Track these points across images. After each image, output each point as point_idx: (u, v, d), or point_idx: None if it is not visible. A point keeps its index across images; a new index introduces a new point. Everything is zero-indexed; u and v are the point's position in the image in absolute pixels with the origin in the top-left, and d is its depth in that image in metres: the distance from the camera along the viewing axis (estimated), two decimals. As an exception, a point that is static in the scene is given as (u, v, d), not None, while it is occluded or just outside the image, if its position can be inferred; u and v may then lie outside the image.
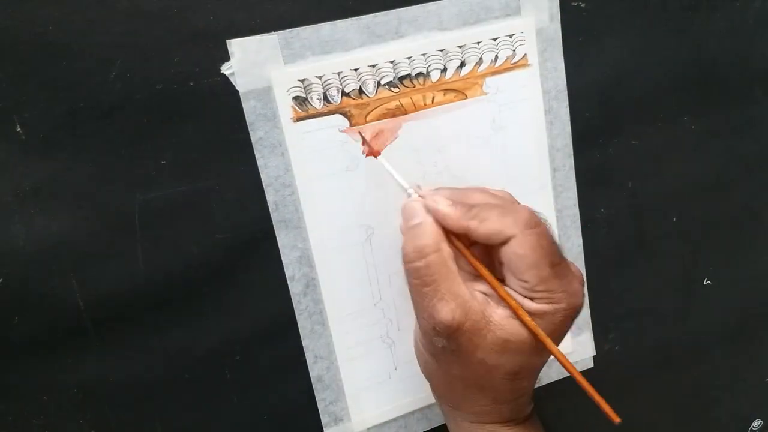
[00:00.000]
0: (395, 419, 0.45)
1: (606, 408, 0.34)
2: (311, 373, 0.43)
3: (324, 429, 0.44)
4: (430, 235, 0.35)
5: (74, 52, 0.34)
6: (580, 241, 0.47)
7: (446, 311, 0.34)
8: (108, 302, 0.38)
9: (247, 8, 0.36)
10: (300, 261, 0.41)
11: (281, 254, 0.40)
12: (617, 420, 0.34)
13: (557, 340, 0.35)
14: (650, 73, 0.46)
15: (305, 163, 0.39)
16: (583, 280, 0.36)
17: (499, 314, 0.35)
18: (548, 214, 0.46)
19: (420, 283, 0.35)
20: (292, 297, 0.41)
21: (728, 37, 0.48)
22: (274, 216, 0.40)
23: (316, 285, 0.41)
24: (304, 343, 0.42)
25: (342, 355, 0.43)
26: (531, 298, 0.34)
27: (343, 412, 0.44)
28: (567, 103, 0.44)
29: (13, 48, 0.33)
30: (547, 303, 0.34)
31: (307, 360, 0.42)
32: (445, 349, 0.35)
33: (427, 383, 0.45)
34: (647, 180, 0.48)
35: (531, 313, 0.34)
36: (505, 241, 0.34)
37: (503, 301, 0.35)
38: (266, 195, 0.39)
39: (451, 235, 0.36)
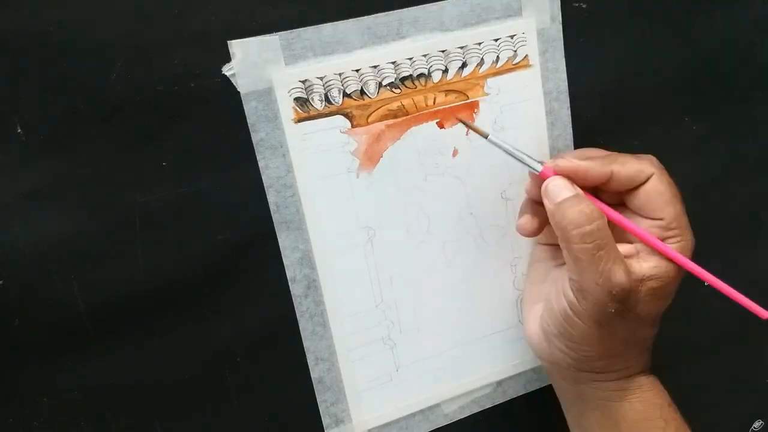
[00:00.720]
0: (396, 421, 0.45)
1: (752, 306, 0.38)
2: (312, 375, 0.43)
3: (325, 430, 0.43)
4: (588, 202, 0.36)
5: (75, 53, 0.34)
6: (581, 242, 0.47)
7: (621, 273, 0.35)
8: (108, 304, 0.37)
9: (249, 9, 0.36)
10: (301, 262, 0.41)
11: (282, 256, 0.40)
12: (765, 315, 0.37)
13: (683, 271, 0.39)
14: (651, 74, 0.46)
15: (306, 164, 0.39)
16: None
17: (645, 268, 0.37)
18: (549, 215, 0.46)
19: (594, 246, 0.35)
20: (293, 298, 0.41)
21: (729, 37, 0.48)
22: (275, 217, 0.39)
23: (317, 286, 0.41)
24: (305, 344, 0.42)
25: (343, 357, 0.43)
26: (663, 239, 0.38)
27: (344, 413, 0.44)
28: (568, 103, 0.44)
29: (13, 48, 0.33)
30: (680, 241, 0.38)
31: (308, 361, 0.42)
32: (616, 312, 0.36)
33: (430, 385, 0.45)
34: (648, 181, 0.48)
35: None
36: (644, 181, 0.37)
37: (652, 246, 0.37)
38: (267, 196, 0.39)
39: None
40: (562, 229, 0.36)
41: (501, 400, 0.48)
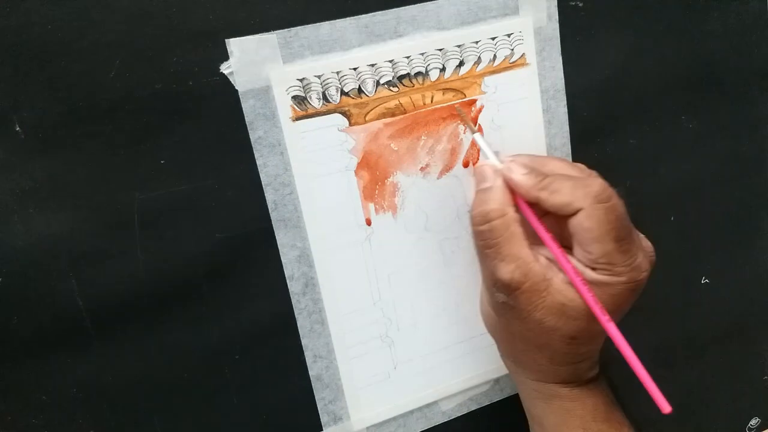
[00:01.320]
0: (394, 418, 0.45)
1: (657, 395, 0.35)
2: (310, 373, 0.43)
3: (323, 428, 0.44)
4: (496, 200, 0.37)
5: (73, 52, 0.34)
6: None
7: (505, 271, 0.36)
8: (107, 302, 0.37)
9: (247, 8, 0.36)
10: (299, 260, 0.41)
11: (280, 253, 0.40)
12: (667, 410, 0.34)
13: (615, 313, 0.36)
14: (648, 72, 0.46)
15: (304, 163, 0.39)
16: (652, 257, 0.38)
17: (560, 278, 0.36)
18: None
19: (483, 245, 0.37)
20: (291, 296, 0.41)
21: (726, 37, 0.48)
22: (273, 215, 0.40)
23: (315, 284, 0.41)
24: (304, 342, 0.42)
25: (341, 355, 0.43)
26: (593, 268, 0.35)
27: (342, 411, 0.44)
28: (565, 102, 0.45)
29: (12, 47, 0.33)
30: (608, 275, 0.35)
31: (307, 359, 0.42)
32: (506, 305, 0.37)
33: (428, 383, 0.45)
34: (645, 179, 0.49)
35: (589, 282, 0.35)
36: (573, 213, 0.35)
37: (559, 264, 0.36)
38: (265, 194, 0.39)
39: (522, 199, 0.37)
40: (470, 216, 0.38)
41: (498, 398, 0.48)
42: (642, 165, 0.48)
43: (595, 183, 0.36)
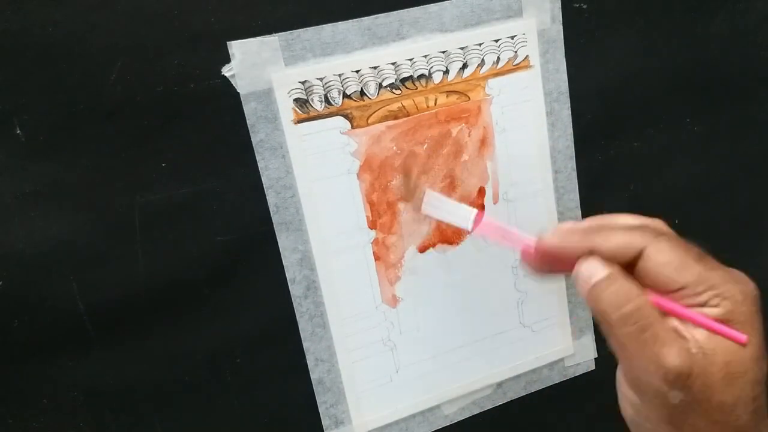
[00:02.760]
0: (396, 422, 0.45)
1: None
2: (312, 376, 0.42)
3: (324, 431, 0.43)
4: (626, 281, 0.31)
5: (74, 54, 0.34)
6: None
7: (674, 355, 0.29)
8: (108, 305, 0.37)
9: (248, 10, 0.36)
10: (301, 263, 0.41)
11: (282, 257, 0.40)
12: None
13: (758, 329, 0.31)
14: (652, 75, 0.46)
15: (306, 165, 0.39)
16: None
17: (702, 341, 0.30)
18: (550, 216, 0.46)
19: (636, 329, 0.30)
20: (292, 299, 0.41)
21: (730, 39, 0.48)
22: (274, 218, 0.39)
23: (317, 287, 0.41)
24: (305, 345, 0.42)
25: (343, 358, 0.43)
26: (702, 305, 0.30)
27: (344, 414, 0.44)
28: (569, 104, 0.44)
29: (13, 50, 0.33)
30: (722, 300, 0.30)
31: (308, 363, 0.42)
32: (683, 402, 0.30)
33: (430, 387, 0.45)
34: (649, 182, 0.48)
35: (717, 320, 0.30)
36: (638, 256, 0.31)
37: (692, 321, 0.31)
38: (267, 197, 0.39)
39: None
40: (600, 313, 0.32)
41: (501, 402, 0.48)
42: (646, 168, 0.48)
43: (653, 223, 0.33)
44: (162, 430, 0.40)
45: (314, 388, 0.43)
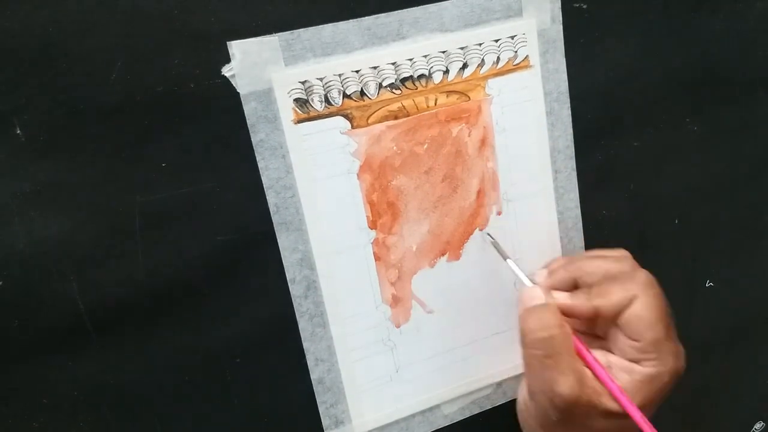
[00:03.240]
0: (396, 422, 0.45)
1: None
2: (312, 376, 0.42)
3: (324, 431, 0.43)
4: (554, 312, 0.38)
5: (74, 54, 0.34)
6: (581, 243, 0.47)
7: (566, 385, 0.35)
8: (108, 304, 0.37)
9: (248, 10, 0.36)
10: (301, 263, 0.41)
11: (282, 257, 0.40)
12: None
13: (656, 404, 0.38)
14: (652, 74, 0.46)
15: (306, 165, 0.39)
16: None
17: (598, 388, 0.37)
18: (550, 216, 0.46)
19: (542, 354, 0.36)
20: (292, 299, 0.41)
21: (730, 39, 0.48)
22: (274, 218, 0.39)
23: (317, 287, 0.41)
24: (305, 345, 0.42)
25: (343, 358, 0.43)
26: (638, 361, 0.37)
27: (344, 414, 0.44)
28: (569, 104, 0.44)
29: (12, 50, 0.33)
30: (655, 366, 0.37)
31: (308, 362, 0.42)
32: (558, 421, 0.37)
33: (430, 386, 0.45)
34: (649, 181, 0.48)
35: (639, 380, 0.37)
36: (627, 306, 0.37)
37: (600, 381, 0.37)
38: (267, 197, 0.39)
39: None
40: (521, 332, 0.38)
41: (501, 401, 0.48)
42: (646, 168, 0.48)
43: (642, 273, 0.38)
44: (162, 429, 0.40)
45: (314, 388, 0.43)
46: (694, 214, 0.50)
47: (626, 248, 0.49)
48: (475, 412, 0.47)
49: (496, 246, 0.44)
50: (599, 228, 0.48)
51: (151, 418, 0.40)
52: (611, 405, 0.36)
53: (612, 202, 0.48)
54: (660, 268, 0.50)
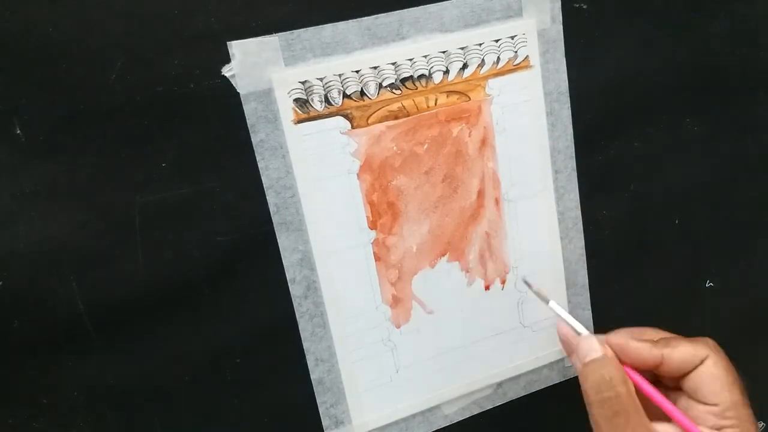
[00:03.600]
0: (396, 422, 0.45)
1: None
2: (312, 376, 0.42)
3: (324, 431, 0.44)
4: (616, 367, 0.36)
5: (74, 54, 0.34)
6: (582, 243, 0.47)
7: None
8: (108, 304, 0.37)
9: (248, 10, 0.36)
10: (301, 263, 0.41)
11: (282, 257, 0.40)
12: None
13: None
14: (652, 75, 0.46)
15: (306, 166, 0.39)
16: None
17: None
18: (550, 216, 0.46)
19: (611, 414, 0.35)
20: (292, 299, 0.41)
21: (731, 39, 0.48)
22: (275, 218, 0.39)
23: (317, 288, 0.41)
24: (305, 345, 0.42)
25: (343, 358, 0.43)
26: (719, 429, 0.35)
27: (344, 414, 0.44)
28: (569, 104, 0.44)
29: (12, 49, 0.33)
30: (737, 431, 0.35)
31: (308, 363, 0.42)
32: None
33: (430, 387, 0.44)
34: (649, 182, 0.48)
35: None
36: (698, 365, 0.35)
37: (677, 421, 0.35)
38: (267, 197, 0.39)
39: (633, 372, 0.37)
40: (585, 391, 0.36)
41: (501, 402, 0.48)
42: (646, 168, 0.48)
43: (707, 338, 0.37)
44: (162, 430, 0.40)
45: (314, 389, 0.43)
46: (694, 214, 0.50)
47: (626, 249, 0.49)
48: (475, 413, 0.47)
49: (537, 293, 0.43)
50: (599, 228, 0.47)
51: (151, 419, 0.40)
52: None
53: (613, 203, 0.47)
54: (660, 268, 0.50)
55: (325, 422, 0.43)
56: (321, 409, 0.43)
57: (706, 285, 0.53)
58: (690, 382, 0.36)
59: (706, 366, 0.36)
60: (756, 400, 0.57)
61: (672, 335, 0.39)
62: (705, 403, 0.35)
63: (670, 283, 0.51)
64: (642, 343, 0.37)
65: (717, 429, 0.35)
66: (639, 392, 0.37)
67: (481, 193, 0.43)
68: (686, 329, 0.52)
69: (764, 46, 0.49)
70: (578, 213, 0.46)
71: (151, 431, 0.40)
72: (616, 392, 0.35)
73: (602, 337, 0.39)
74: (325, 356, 0.42)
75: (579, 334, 0.40)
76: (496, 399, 0.48)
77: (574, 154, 0.45)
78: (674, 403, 0.37)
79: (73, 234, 0.36)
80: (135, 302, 0.38)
